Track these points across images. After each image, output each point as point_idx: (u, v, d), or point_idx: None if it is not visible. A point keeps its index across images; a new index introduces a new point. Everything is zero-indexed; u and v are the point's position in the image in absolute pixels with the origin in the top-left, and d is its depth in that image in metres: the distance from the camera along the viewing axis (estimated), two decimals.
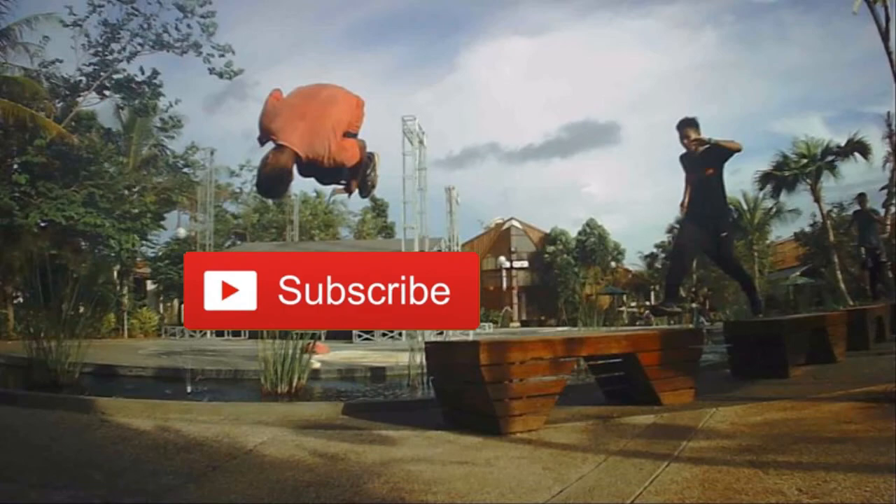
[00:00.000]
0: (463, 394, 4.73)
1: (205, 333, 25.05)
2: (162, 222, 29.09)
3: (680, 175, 7.01)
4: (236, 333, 24.09)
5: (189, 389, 8.45)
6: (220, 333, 25.06)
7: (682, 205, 6.99)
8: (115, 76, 24.34)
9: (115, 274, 27.85)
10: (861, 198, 14.60)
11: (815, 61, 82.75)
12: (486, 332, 26.69)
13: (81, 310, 9.54)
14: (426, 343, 5.53)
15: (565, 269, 41.56)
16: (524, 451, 3.84)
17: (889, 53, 4.50)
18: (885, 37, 4.56)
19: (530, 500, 2.87)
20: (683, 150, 6.86)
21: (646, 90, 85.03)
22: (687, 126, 6.80)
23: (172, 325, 28.39)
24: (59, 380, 8.02)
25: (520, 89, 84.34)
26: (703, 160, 6.70)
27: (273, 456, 3.73)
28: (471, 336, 13.13)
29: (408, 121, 22.14)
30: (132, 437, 4.17)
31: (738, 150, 6.52)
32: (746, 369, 6.80)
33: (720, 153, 6.65)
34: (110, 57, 23.90)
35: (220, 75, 24.68)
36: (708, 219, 6.74)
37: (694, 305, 35.50)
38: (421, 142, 22.80)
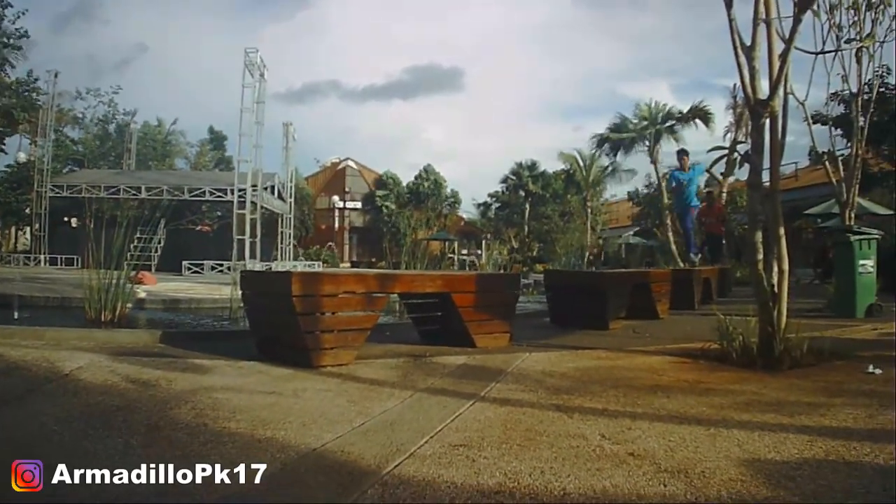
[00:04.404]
0: (276, 325, 4.66)
1: (39, 261, 24.76)
2: (3, 147, 27.89)
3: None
4: (69, 262, 23.64)
5: (16, 315, 8.20)
6: (53, 262, 24.76)
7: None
8: None
9: None
10: (681, 154, 12.68)
11: (669, 28, 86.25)
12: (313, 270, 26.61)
13: None
14: (241, 272, 5.34)
15: (394, 213, 41.79)
16: (332, 384, 3.86)
17: (731, 20, 4.64)
18: (728, 4, 4.69)
19: (331, 430, 2.86)
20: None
21: (494, 41, 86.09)
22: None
23: (9, 253, 27.86)
24: None
25: (366, 29, 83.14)
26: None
27: (87, 381, 3.77)
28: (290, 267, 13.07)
29: (250, 52, 21.64)
30: None
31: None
32: (566, 319, 7.00)
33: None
34: None
35: None
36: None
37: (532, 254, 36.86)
38: (262, 75, 22.33)
